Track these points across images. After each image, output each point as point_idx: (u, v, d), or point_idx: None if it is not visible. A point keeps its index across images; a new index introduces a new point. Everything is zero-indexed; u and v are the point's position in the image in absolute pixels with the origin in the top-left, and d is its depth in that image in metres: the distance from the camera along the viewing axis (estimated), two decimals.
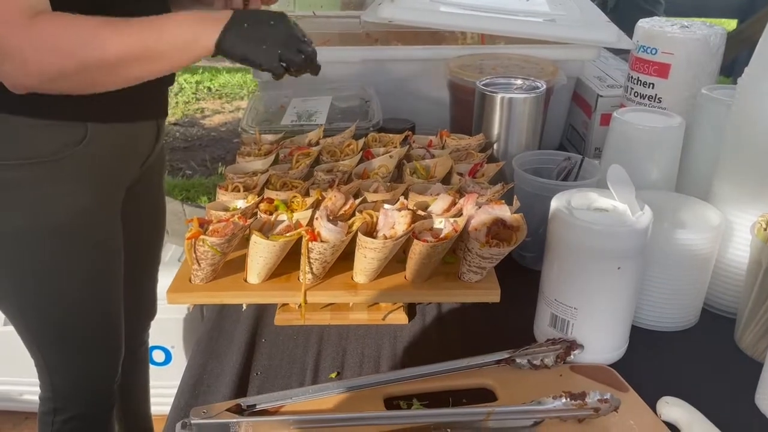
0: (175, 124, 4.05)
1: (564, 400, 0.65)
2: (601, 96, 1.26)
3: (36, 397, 1.72)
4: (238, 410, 0.66)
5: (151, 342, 1.38)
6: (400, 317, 0.85)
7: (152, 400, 1.43)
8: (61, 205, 0.87)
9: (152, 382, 1.43)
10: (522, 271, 0.95)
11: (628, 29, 1.20)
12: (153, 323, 1.33)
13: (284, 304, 0.84)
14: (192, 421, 0.63)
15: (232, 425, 0.64)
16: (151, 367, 1.42)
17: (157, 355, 1.65)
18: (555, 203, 0.75)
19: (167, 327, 1.58)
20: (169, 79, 1.00)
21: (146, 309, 1.27)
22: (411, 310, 0.87)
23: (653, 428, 0.66)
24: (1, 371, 1.70)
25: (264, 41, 0.75)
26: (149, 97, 0.95)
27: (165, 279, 0.89)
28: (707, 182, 0.88)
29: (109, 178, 0.93)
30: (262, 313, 0.87)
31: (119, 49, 0.72)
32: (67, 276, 0.93)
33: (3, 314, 0.97)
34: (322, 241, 0.73)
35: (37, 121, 0.81)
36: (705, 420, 0.66)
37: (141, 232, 1.11)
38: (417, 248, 0.73)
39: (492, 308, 0.85)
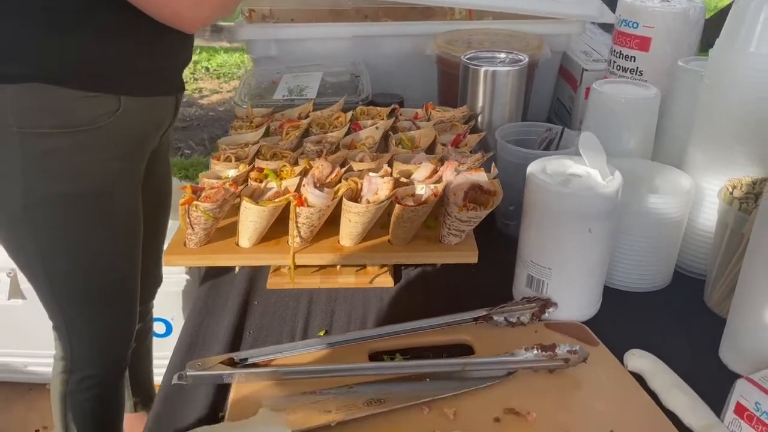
0: None
1: (535, 351, 0.69)
2: (586, 70, 1.29)
3: (40, 369, 1.76)
4: (231, 363, 0.70)
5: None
6: (386, 280, 0.89)
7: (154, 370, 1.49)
8: (96, 171, 0.94)
9: (153, 353, 1.48)
10: (505, 239, 0.99)
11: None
12: None
13: (276, 269, 0.89)
14: (188, 373, 0.68)
15: (225, 376, 0.68)
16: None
17: (158, 327, 1.70)
18: (531, 169, 0.78)
19: (167, 299, 1.62)
20: (187, 58, 1.06)
21: (154, 276, 1.32)
22: (397, 274, 0.91)
23: (620, 378, 0.70)
24: (6, 344, 1.75)
25: None
26: (172, 74, 1.03)
27: None
28: (682, 151, 0.92)
29: (137, 146, 1.00)
30: (255, 277, 0.91)
31: None
32: (97, 238, 0.99)
33: (26, 278, 1.01)
34: (308, 206, 0.77)
35: (78, 93, 0.88)
36: (668, 370, 0.70)
37: (151, 200, 1.16)
38: (398, 212, 0.77)
39: (474, 273, 0.90)
